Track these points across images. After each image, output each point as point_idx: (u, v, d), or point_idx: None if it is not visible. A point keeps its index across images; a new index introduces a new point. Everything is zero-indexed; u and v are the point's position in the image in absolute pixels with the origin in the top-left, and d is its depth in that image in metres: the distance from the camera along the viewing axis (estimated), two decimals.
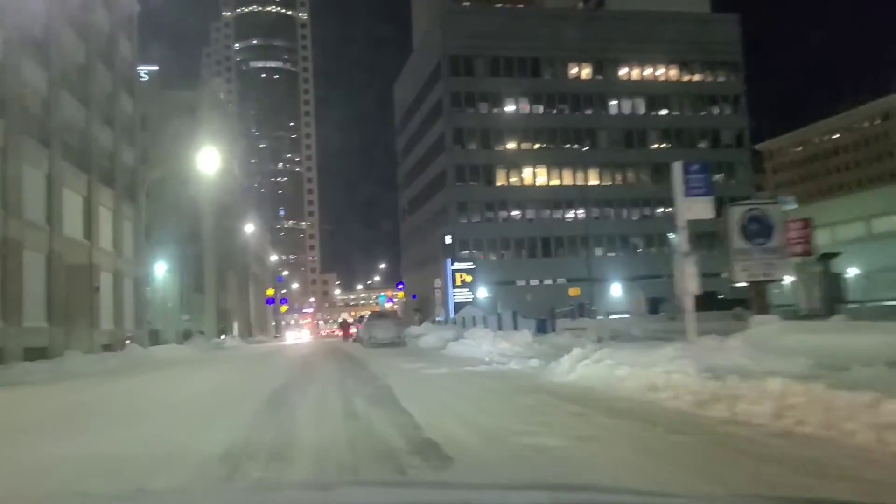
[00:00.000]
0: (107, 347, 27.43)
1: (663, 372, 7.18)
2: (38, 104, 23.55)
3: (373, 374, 11.84)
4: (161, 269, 46.79)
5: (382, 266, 69.65)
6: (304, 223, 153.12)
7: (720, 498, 2.41)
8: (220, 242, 56.64)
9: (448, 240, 43.77)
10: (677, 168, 8.27)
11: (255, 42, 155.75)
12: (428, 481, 3.44)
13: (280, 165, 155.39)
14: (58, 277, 24.20)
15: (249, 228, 52.25)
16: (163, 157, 47.48)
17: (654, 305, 32.28)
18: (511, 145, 54.90)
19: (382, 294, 71.90)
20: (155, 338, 36.72)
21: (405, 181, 69.64)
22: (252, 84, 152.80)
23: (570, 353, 10.30)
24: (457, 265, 42.65)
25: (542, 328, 23.64)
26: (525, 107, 55.90)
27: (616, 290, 53.24)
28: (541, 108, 56.15)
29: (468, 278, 42.47)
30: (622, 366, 8.02)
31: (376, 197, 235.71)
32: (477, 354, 15.59)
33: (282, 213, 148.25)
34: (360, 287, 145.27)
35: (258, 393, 8.90)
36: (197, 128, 54.58)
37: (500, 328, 25.70)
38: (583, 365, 9.11)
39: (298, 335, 58.92)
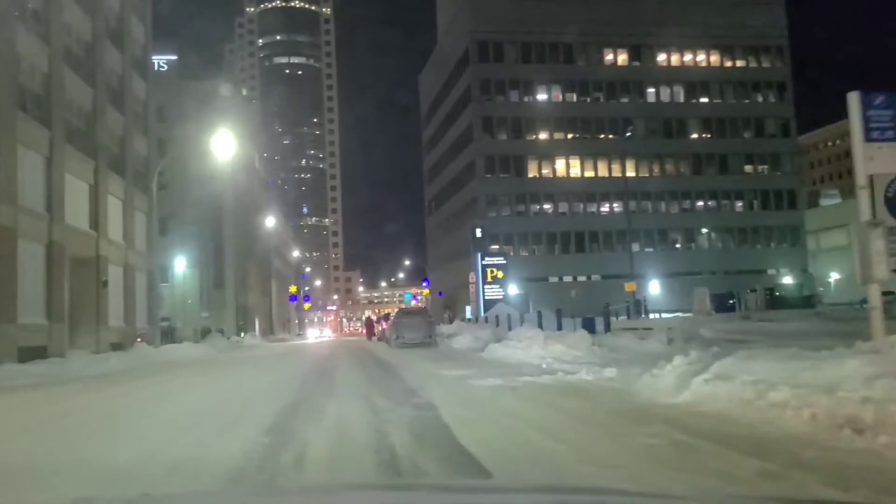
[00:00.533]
0: (116, 346, 25.48)
1: (861, 400, 4.69)
2: (36, 80, 21.59)
3: (408, 385, 9.49)
4: (181, 265, 45.21)
5: (407, 263, 67.42)
6: (327, 220, 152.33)
7: (723, 498, 2.21)
8: (242, 238, 55.02)
9: (478, 233, 41.28)
10: (853, 101, 5.73)
11: (278, 38, 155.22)
12: (430, 484, 3.14)
13: (303, 162, 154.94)
14: (59, 270, 22.25)
15: (272, 223, 50.33)
16: (180, 148, 45.96)
17: (720, 303, 29.51)
18: (543, 135, 52.21)
19: (408, 291, 69.60)
20: (170, 336, 34.95)
21: (431, 175, 67.31)
22: (275, 80, 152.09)
23: (670, 362, 7.83)
24: (487, 260, 40.15)
25: (589, 327, 21.12)
26: (557, 94, 53.18)
27: (655, 287, 50.39)
28: (574, 96, 53.39)
29: (499, 274, 39.95)
30: (778, 386, 5.52)
31: (401, 193, 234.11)
32: (527, 359, 13.17)
33: (305, 210, 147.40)
34: (383, 284, 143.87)
35: (260, 416, 6.60)
36: (216, 118, 52.90)
37: (540, 327, 23.29)
38: (699, 381, 6.64)
39: (320, 333, 56.43)
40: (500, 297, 39.15)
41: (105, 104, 26.61)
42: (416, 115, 70.22)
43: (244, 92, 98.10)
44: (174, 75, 51.48)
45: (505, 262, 40.43)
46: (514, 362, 13.13)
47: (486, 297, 39.81)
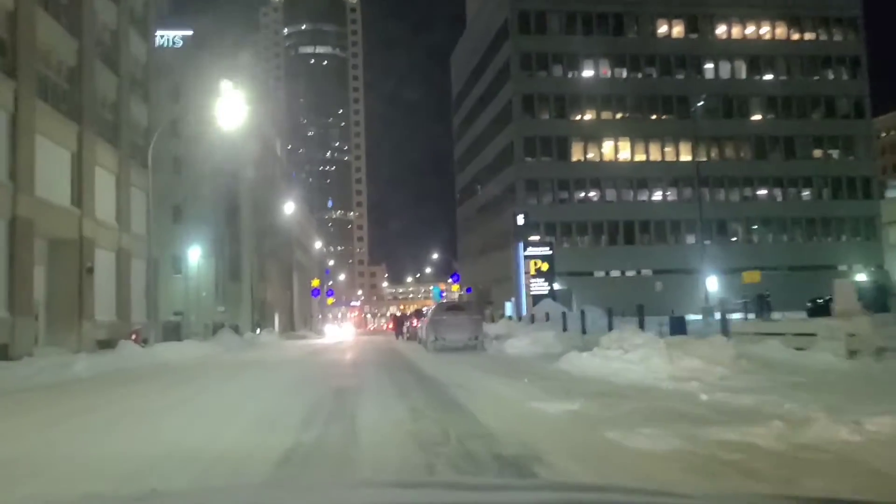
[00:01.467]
0: (104, 344, 21.51)
1: None
2: None
3: (492, 432, 5.17)
4: (195, 255, 41.50)
5: (435, 256, 63.16)
6: (351, 213, 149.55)
7: (729, 497, 2.08)
8: (261, 227, 51.37)
9: (520, 220, 36.69)
10: None
11: (303, 27, 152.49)
12: (440, 481, 3.17)
13: (328, 154, 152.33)
14: (26, 252, 18.30)
15: (292, 210, 46.39)
16: (195, 125, 42.38)
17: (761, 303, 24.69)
18: (589, 115, 47.32)
19: (436, 286, 65.35)
20: (176, 332, 31.11)
21: (462, 162, 62.87)
22: (300, 70, 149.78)
23: None
24: (530, 250, 35.60)
25: (679, 329, 16.62)
26: (606, 70, 48.20)
27: (713, 283, 45.36)
28: (624, 72, 48.35)
29: (544, 266, 35.37)
30: None
31: (428, 187, 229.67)
32: (645, 379, 8.78)
33: (330, 204, 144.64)
34: (409, 279, 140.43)
35: None
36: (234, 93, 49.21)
37: (610, 328, 18.84)
38: None
39: (340, 331, 51.55)
40: (546, 291, 34.70)
41: (93, 60, 22.63)
42: (444, 106, 65.92)
43: (270, 82, 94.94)
44: (190, 50, 47.78)
45: (550, 252, 35.90)
46: (625, 383, 8.73)
47: (528, 293, 35.41)
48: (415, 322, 30.08)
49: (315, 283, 69.77)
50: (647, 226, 46.82)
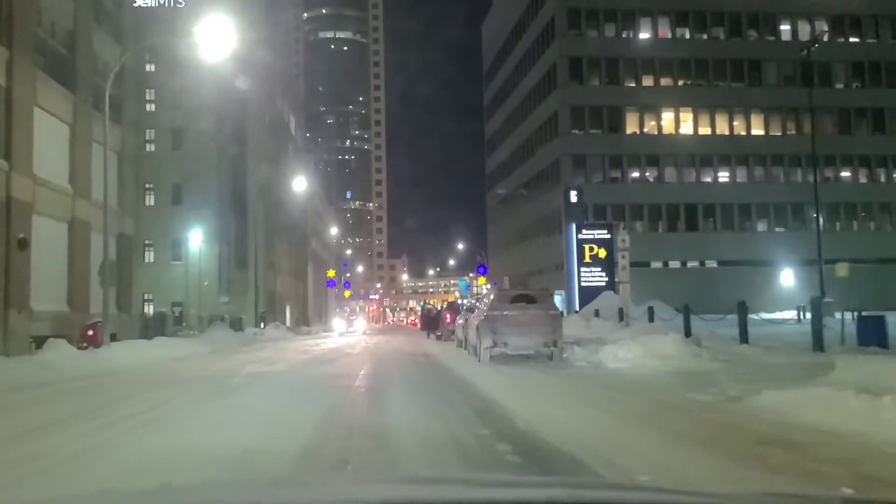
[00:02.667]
0: (42, 343, 15.94)
1: None
2: None
3: None
4: (196, 239, 37.33)
5: (460, 247, 57.43)
6: (371, 204, 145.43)
7: (741, 497, 1.91)
8: (272, 211, 46.20)
9: (573, 196, 30.60)
10: None
11: (323, 11, 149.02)
12: (446, 478, 2.99)
13: (347, 143, 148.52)
14: None
15: (305, 189, 40.81)
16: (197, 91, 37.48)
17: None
18: (646, 81, 40.98)
19: (463, 278, 59.58)
20: (160, 326, 25.68)
21: (493, 144, 56.99)
22: (320, 56, 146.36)
23: None
24: (585, 233, 29.56)
25: (878, 333, 10.82)
26: (666, 30, 41.77)
27: (788, 277, 39.11)
28: (686, 32, 41.83)
29: (601, 252, 29.33)
30: None
31: (450, 178, 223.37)
32: None
33: (349, 195, 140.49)
34: (430, 272, 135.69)
35: None
36: (241, 52, 43.88)
37: (687, 330, 13.47)
38: None
39: (349, 328, 43.56)
40: (604, 283, 28.83)
41: None
42: (471, 93, 59.91)
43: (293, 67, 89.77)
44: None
45: (609, 235, 29.93)
46: None
47: (582, 284, 29.54)
48: (449, 318, 24.23)
49: (331, 273, 64.60)
50: (712, 210, 40.53)
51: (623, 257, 26.81)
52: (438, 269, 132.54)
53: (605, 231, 30.45)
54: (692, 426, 5.63)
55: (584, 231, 30.09)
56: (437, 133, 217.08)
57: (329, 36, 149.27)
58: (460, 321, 19.13)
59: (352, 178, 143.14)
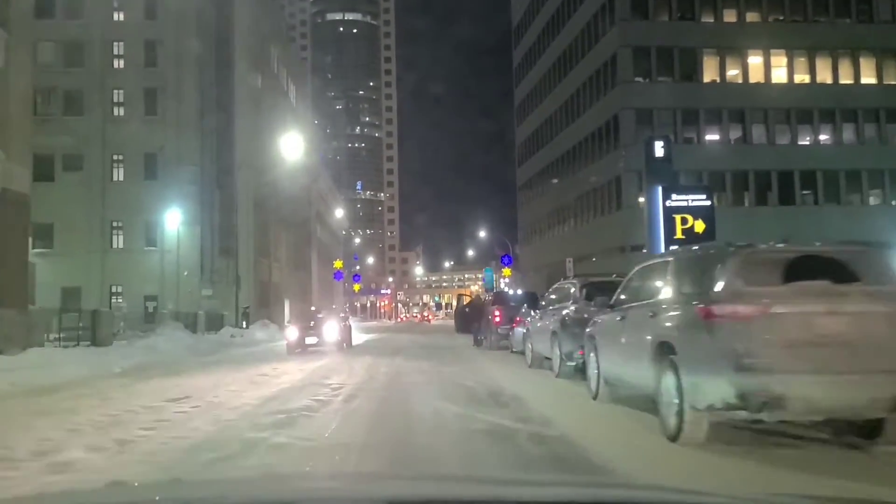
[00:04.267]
0: None
1: None
2: None
3: None
4: (174, 220, 32.86)
5: (482, 234, 49.89)
6: (382, 194, 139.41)
7: (748, 498, 1.87)
8: (265, 188, 39.11)
9: (658, 149, 22.52)
10: None
11: None
12: (453, 476, 3.09)
13: (357, 130, 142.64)
14: None
15: (301, 146, 33.27)
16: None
17: None
18: (728, 16, 32.93)
19: (488, 268, 52.13)
20: (93, 329, 18.23)
21: (523, 110, 49.32)
22: (328, 39, 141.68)
23: None
24: (676, 198, 21.51)
25: None
26: None
27: None
28: None
29: (699, 226, 21.30)
30: None
31: (468, 165, 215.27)
32: None
33: (359, 187, 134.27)
34: (445, 265, 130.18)
35: None
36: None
37: None
38: None
39: (311, 336, 20.23)
40: None
41: None
42: (484, 78, 51.80)
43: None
44: None
45: (709, 202, 22.07)
46: None
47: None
48: (499, 317, 16.23)
49: (338, 264, 57.33)
50: (812, 178, 32.41)
51: None
52: (452, 263, 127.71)
53: (704, 196, 22.47)
54: None
55: (673, 196, 22.00)
56: (453, 121, 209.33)
57: (337, 18, 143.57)
58: (528, 324, 11.41)
59: (362, 167, 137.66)
